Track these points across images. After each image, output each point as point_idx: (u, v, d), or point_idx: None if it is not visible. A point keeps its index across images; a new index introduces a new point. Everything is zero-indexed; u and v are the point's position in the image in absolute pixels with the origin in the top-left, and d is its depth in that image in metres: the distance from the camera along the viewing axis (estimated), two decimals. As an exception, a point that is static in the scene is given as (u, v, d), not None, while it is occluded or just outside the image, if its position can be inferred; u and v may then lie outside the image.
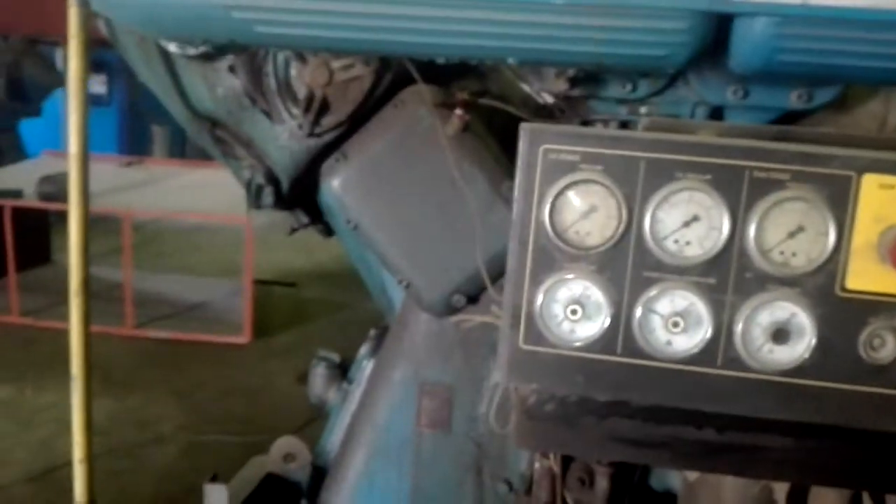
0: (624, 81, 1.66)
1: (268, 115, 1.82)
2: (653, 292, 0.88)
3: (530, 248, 0.92)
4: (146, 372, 5.67)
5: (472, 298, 1.82)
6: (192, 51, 1.73)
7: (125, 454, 4.39)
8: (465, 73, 1.79)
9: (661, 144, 0.88)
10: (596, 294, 0.89)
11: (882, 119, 1.77)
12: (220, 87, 1.82)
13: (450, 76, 1.79)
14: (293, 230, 2.25)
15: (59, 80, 9.60)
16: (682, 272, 0.88)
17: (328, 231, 2.29)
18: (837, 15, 1.19)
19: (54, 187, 6.12)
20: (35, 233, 7.43)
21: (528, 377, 0.92)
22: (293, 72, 1.77)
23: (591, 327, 0.90)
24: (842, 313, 0.87)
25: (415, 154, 1.76)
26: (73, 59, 1.70)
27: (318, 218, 2.19)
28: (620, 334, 0.88)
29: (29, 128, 9.64)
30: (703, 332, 0.88)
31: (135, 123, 12.80)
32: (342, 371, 2.29)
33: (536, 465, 1.68)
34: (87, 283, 1.88)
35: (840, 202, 0.87)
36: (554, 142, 0.92)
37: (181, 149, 14.12)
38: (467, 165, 1.74)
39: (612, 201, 0.89)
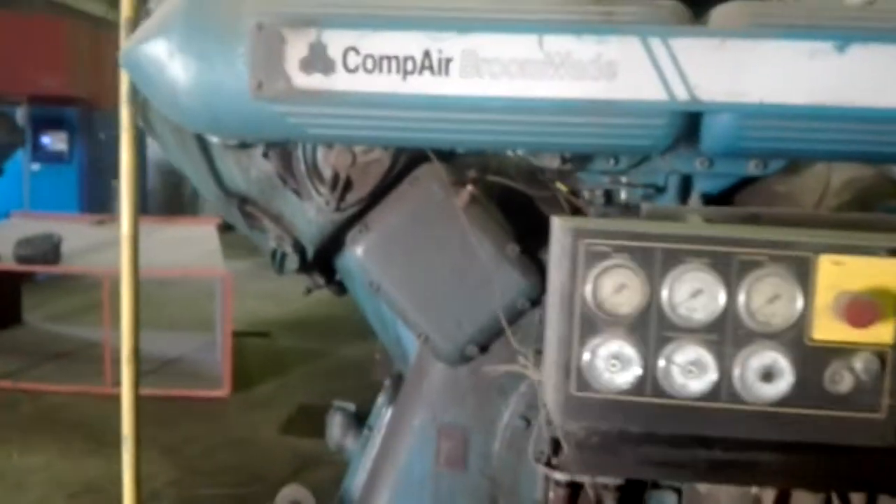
0: (608, 157, 1.94)
1: (297, 193, 2.05)
2: (671, 347, 1.16)
3: (577, 317, 1.18)
4: (130, 429, 5.72)
5: (483, 348, 2.06)
6: (231, 141, 1.97)
7: (120, 512, 4.46)
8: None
9: (671, 237, 1.16)
10: (629, 350, 1.17)
11: (825, 179, 2.08)
12: (253, 169, 2.06)
13: (453, 153, 2.05)
14: (308, 290, 2.48)
15: (21, 138, 9.66)
16: (692, 331, 1.19)
17: (341, 290, 2.52)
18: (787, 111, 1.48)
19: (31, 250, 6.19)
20: (7, 295, 7.45)
21: (579, 417, 1.17)
22: (320, 156, 2.02)
23: (626, 376, 1.17)
24: (811, 358, 1.18)
25: (429, 223, 2.01)
26: (125, 152, 1.91)
27: (331, 279, 2.42)
28: (649, 381, 1.16)
29: (-10, 188, 9.65)
30: (710, 376, 1.18)
31: (95, 180, 12.80)
32: (357, 419, 2.50)
33: (550, 494, 1.90)
34: (138, 350, 2.07)
35: (804, 275, 1.18)
36: (590, 237, 1.18)
37: (143, 205, 14.13)
38: (476, 232, 1.99)
39: (636, 280, 1.16)
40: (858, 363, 1.19)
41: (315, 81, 1.50)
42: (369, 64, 1.49)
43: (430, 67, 1.48)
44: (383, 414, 2.29)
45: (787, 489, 1.30)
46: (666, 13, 1.52)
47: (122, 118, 1.90)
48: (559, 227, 1.24)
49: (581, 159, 1.94)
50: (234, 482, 4.71)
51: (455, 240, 2.00)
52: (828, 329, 1.17)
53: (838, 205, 2.00)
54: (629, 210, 2.02)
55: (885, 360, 1.21)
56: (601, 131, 1.53)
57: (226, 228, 9.06)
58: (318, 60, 1.49)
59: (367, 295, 2.26)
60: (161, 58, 1.58)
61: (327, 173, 2.02)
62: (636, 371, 1.16)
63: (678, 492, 1.89)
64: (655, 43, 1.45)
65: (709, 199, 2.02)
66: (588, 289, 1.15)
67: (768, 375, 1.16)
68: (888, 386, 1.22)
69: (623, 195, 2.01)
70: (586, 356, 1.16)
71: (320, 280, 2.42)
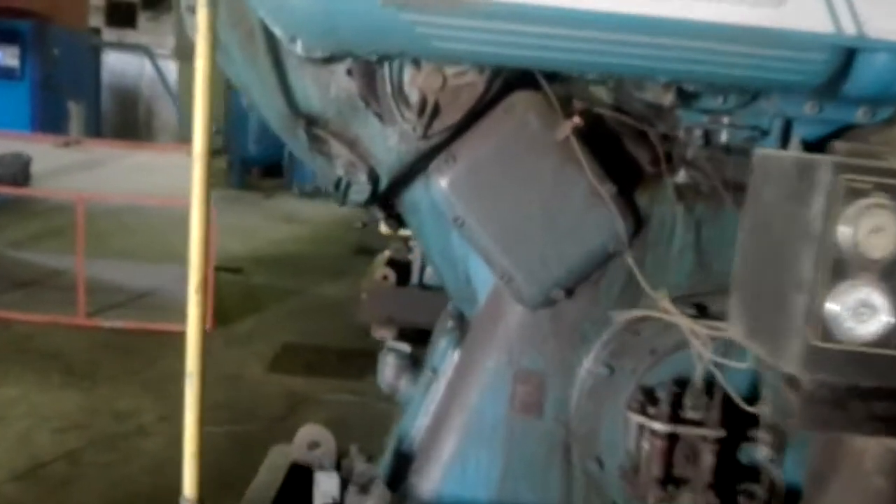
0: (717, 94, 1.83)
1: (380, 116, 1.89)
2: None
3: (826, 259, 1.07)
4: (109, 363, 5.53)
5: (569, 291, 1.96)
6: (318, 53, 1.79)
7: (109, 447, 4.30)
8: (553, 79, 1.91)
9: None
10: (878, 299, 1.07)
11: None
12: (333, 87, 1.89)
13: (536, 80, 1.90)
14: (364, 224, 2.34)
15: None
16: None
17: (398, 225, 2.38)
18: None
19: (1, 170, 5.84)
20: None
21: (818, 369, 1.08)
22: (407, 77, 1.85)
23: (871, 326, 1.07)
24: None
25: (521, 156, 1.88)
26: (200, 59, 1.71)
27: (389, 212, 2.28)
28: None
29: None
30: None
31: (49, 99, 12.17)
32: (413, 360, 2.39)
33: (645, 444, 1.84)
34: (207, 282, 1.90)
35: None
36: (852, 171, 1.07)
37: (96, 127, 13.53)
38: (571, 168, 1.87)
39: (894, 222, 1.06)
40: None
41: (456, -13, 1.34)
42: (515, -32, 1.34)
43: (583, -24, 1.33)
44: (449, 356, 2.18)
45: None
46: None
47: (200, 22, 1.69)
48: (823, 165, 1.11)
49: (689, 95, 1.83)
50: (227, 419, 4.58)
51: (548, 175, 1.88)
52: None
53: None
54: (731, 151, 1.93)
55: None
56: (759, 63, 1.41)
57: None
58: (459, -38, 1.33)
59: (435, 231, 2.13)
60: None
61: (414, 96, 1.86)
62: (884, 321, 1.07)
63: (771, 447, 1.85)
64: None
65: (806, 146, 1.94)
66: (843, 229, 1.05)
67: None
68: None
69: (724, 136, 1.91)
70: (833, 304, 1.07)
71: (379, 213, 2.27)
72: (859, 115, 1.80)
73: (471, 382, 2.07)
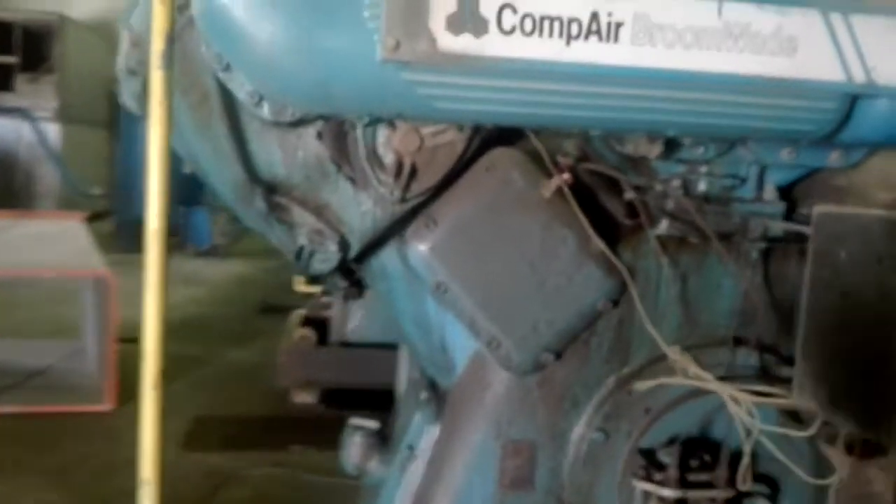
0: (698, 144, 1.81)
1: (353, 180, 1.76)
2: None
3: None
4: (5, 451, 4.97)
5: (558, 354, 1.87)
6: (286, 118, 1.65)
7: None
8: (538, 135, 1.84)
9: None
10: None
11: (884, 174, 2.05)
12: (301, 152, 1.75)
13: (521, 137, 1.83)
14: (324, 293, 2.19)
15: None
16: None
17: (359, 293, 2.24)
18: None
19: None
20: None
21: None
22: (381, 138, 1.73)
23: None
24: None
25: (507, 216, 1.79)
26: (156, 126, 1.53)
27: (350, 280, 2.14)
28: None
29: None
30: None
31: None
32: (381, 438, 2.22)
33: (652, 507, 1.75)
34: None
35: None
36: None
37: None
38: (558, 226, 1.80)
39: None
40: None
41: (463, 43, 1.24)
42: (528, 25, 1.26)
43: (598, 32, 1.27)
44: (427, 432, 2.03)
45: None
46: None
47: (155, 86, 1.51)
48: None
49: (671, 146, 1.80)
50: (144, 508, 4.16)
51: (536, 234, 1.79)
52: None
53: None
54: (709, 201, 1.90)
55: None
56: (775, 113, 1.38)
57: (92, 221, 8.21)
58: (468, 18, 1.24)
59: (408, 297, 1.99)
60: (257, 11, 1.26)
61: (389, 158, 1.74)
62: None
63: (768, 497, 1.80)
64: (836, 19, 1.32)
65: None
66: None
67: None
68: None
69: (702, 185, 1.89)
70: None
71: (342, 282, 2.12)
72: (832, 158, 1.83)
73: (455, 460, 1.92)
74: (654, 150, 1.75)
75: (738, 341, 1.89)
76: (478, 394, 1.92)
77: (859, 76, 1.36)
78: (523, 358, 1.84)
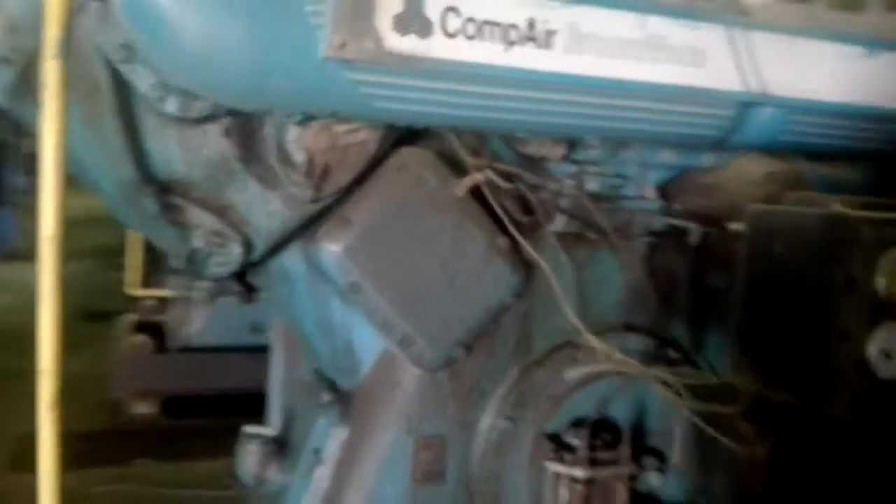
0: (590, 147, 1.93)
1: (262, 179, 1.70)
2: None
3: (868, 308, 1.14)
4: None
5: (468, 349, 1.91)
6: (193, 114, 1.56)
7: None
8: (432, 135, 1.87)
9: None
10: None
11: (748, 173, 2.27)
12: (205, 149, 1.66)
13: (419, 137, 1.85)
14: (215, 297, 2.08)
15: None
16: None
17: (249, 297, 2.16)
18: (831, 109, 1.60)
19: None
20: None
21: (864, 408, 1.13)
22: (291, 136, 1.69)
23: None
24: None
25: (420, 216, 1.80)
26: (49, 122, 1.38)
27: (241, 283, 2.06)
28: None
29: None
30: None
31: None
32: (278, 445, 2.16)
33: (562, 491, 1.84)
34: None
35: None
36: (882, 227, 1.15)
37: None
38: (468, 225, 1.84)
39: None
40: None
41: (409, 44, 1.25)
42: (470, 28, 1.28)
43: (535, 39, 1.32)
44: (334, 434, 1.99)
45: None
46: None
47: (49, 77, 1.37)
48: (836, 217, 1.17)
49: (573, 146, 1.90)
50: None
51: (448, 233, 1.82)
52: None
53: (765, 194, 2.21)
54: (602, 199, 2.03)
55: None
56: (682, 119, 1.51)
57: None
58: (414, 19, 1.24)
59: (311, 299, 1.95)
60: (190, 4, 1.19)
61: (300, 157, 1.70)
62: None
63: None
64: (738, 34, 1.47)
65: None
66: (879, 279, 1.12)
67: None
68: None
69: (593, 184, 2.01)
70: (872, 346, 1.13)
71: (234, 285, 2.04)
72: (706, 159, 2.01)
73: (367, 459, 1.92)
74: (558, 151, 1.83)
75: (628, 328, 2.03)
76: (388, 392, 1.92)
77: (755, 86, 1.52)
78: (436, 354, 1.86)
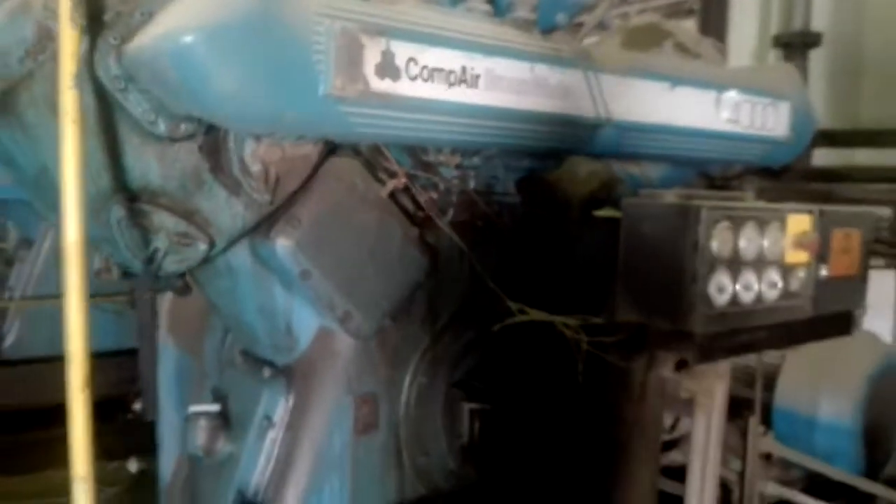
0: (472, 155, 2.45)
1: (227, 187, 2.03)
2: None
3: (707, 261, 1.74)
4: None
5: (394, 319, 2.36)
6: (179, 134, 1.88)
7: None
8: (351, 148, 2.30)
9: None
10: (727, 281, 1.79)
11: (575, 173, 2.90)
12: (179, 163, 1.96)
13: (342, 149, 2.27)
14: (156, 291, 2.35)
15: None
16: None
17: (186, 291, 2.44)
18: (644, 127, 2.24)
19: None
20: None
21: (708, 325, 1.73)
22: (247, 150, 2.04)
23: (725, 297, 1.79)
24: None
25: (353, 214, 2.22)
26: (69, 145, 1.61)
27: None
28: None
29: None
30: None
31: None
32: (224, 418, 2.46)
33: (477, 423, 2.35)
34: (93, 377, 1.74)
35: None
36: (714, 210, 1.75)
37: None
38: (389, 220, 2.28)
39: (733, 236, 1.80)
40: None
41: (385, 86, 1.69)
42: (425, 73, 1.75)
43: (466, 80, 1.82)
44: (282, 402, 2.34)
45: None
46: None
47: (67, 105, 1.60)
48: (683, 205, 1.76)
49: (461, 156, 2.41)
50: None
51: (373, 228, 2.26)
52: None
53: (588, 190, 2.85)
54: (481, 194, 2.56)
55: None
56: (553, 136, 2.07)
57: None
58: (388, 67, 1.69)
59: (254, 289, 2.30)
60: (216, 51, 1.54)
61: (255, 167, 2.05)
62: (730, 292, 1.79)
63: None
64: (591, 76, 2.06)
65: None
66: (714, 243, 1.72)
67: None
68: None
69: (472, 184, 2.54)
70: (710, 286, 1.76)
71: (178, 281, 2.33)
72: (548, 164, 2.61)
73: (314, 418, 2.30)
74: (455, 159, 2.34)
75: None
76: (328, 361, 2.32)
77: (602, 112, 2.11)
78: (370, 325, 2.29)
